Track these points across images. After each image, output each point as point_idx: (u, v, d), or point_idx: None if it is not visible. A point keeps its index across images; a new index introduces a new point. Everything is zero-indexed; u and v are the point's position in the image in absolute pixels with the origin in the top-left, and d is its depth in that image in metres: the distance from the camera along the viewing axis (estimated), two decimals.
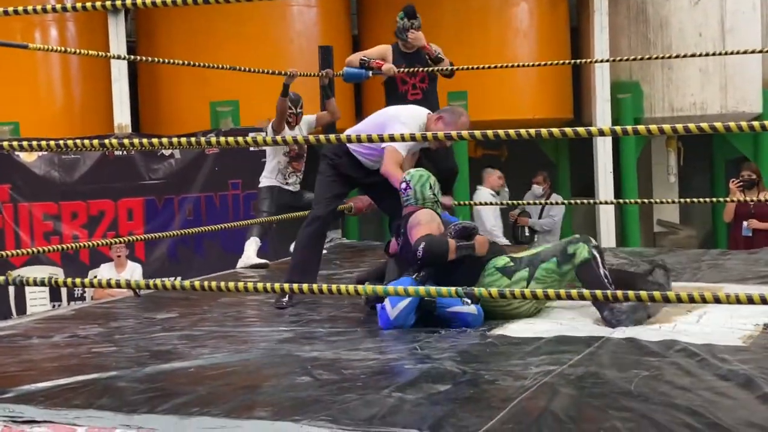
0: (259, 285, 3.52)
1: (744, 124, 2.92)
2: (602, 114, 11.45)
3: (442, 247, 4.52)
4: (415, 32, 6.77)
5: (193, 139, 3.28)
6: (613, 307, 4.28)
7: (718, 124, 2.98)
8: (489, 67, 8.63)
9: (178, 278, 8.13)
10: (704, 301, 2.84)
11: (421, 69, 6.83)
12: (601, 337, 4.06)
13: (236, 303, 5.32)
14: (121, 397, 3.29)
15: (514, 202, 9.34)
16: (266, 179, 7.45)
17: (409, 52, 6.89)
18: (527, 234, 10.64)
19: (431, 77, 6.92)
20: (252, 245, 7.11)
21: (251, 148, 9.62)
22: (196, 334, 4.44)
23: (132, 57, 7.08)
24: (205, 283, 3.69)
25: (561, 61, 9.79)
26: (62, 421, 3.02)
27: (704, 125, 2.91)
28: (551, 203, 10.17)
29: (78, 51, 6.78)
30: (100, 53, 6.52)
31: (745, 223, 9.02)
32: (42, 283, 3.85)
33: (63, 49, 6.34)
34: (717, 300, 2.83)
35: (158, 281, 3.80)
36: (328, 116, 7.57)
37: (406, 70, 6.81)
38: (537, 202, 10.25)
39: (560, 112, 11.82)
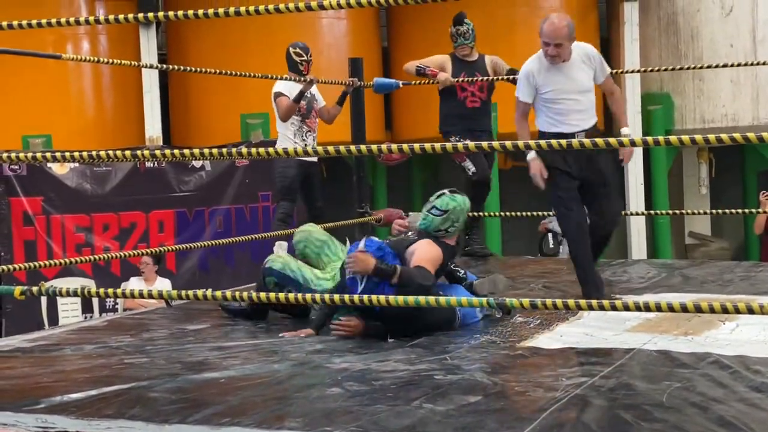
0: (290, 296, 3.53)
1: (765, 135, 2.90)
2: (633, 125, 11.38)
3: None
4: (447, 79, 6.90)
5: (224, 150, 3.30)
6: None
7: (751, 135, 2.96)
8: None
9: (209, 289, 8.16)
10: (738, 312, 2.82)
11: (481, 78, 6.94)
12: (633, 349, 4.03)
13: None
14: (153, 408, 3.30)
15: (540, 213, 9.30)
16: (287, 140, 7.21)
17: (469, 61, 6.99)
18: (551, 245, 10.60)
19: (490, 87, 7.05)
20: (280, 251, 7.10)
21: None
22: (227, 345, 4.45)
23: (163, 66, 7.13)
24: (237, 294, 3.71)
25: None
26: None
27: (737, 136, 2.89)
28: None
29: (110, 61, 6.84)
30: (132, 63, 6.58)
31: None
32: (75, 294, 3.89)
33: (95, 59, 6.41)
34: (750, 311, 2.81)
35: (189, 292, 3.82)
36: (325, 115, 7.47)
37: (467, 78, 6.91)
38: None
39: None
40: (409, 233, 4.97)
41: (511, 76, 6.85)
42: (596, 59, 5.25)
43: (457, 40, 7.10)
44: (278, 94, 7.15)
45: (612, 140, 2.98)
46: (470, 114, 7.09)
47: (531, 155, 5.19)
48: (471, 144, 3.33)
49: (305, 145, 7.21)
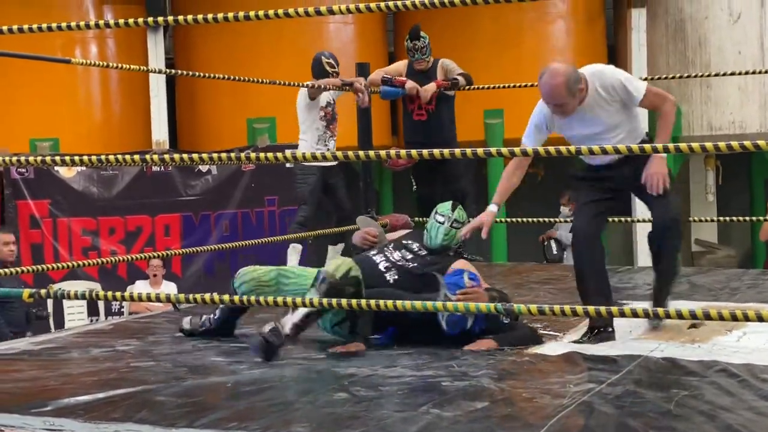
0: (298, 300, 3.53)
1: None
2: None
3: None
4: (425, 90, 6.74)
5: (233, 155, 3.31)
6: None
7: (761, 142, 2.95)
8: (525, 86, 8.61)
9: (215, 293, 8.16)
10: (747, 320, 2.81)
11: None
12: (640, 356, 4.02)
13: (274, 319, 5.31)
14: (160, 411, 3.30)
15: (546, 220, 9.29)
16: (306, 144, 7.21)
17: (420, 71, 6.88)
18: (555, 252, 10.58)
19: (441, 98, 6.87)
20: (293, 255, 7.09)
21: (287, 165, 9.68)
22: (234, 349, 4.45)
23: (170, 71, 7.15)
24: (244, 298, 3.72)
25: None
26: None
27: (747, 143, 2.89)
28: None
29: (118, 65, 6.87)
30: (141, 67, 6.60)
31: None
32: (82, 297, 3.90)
33: (104, 63, 6.42)
34: (760, 319, 2.81)
35: (197, 296, 3.82)
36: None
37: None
38: (566, 220, 10.20)
39: None
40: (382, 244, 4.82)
41: (452, 83, 6.75)
42: (618, 88, 4.36)
43: (414, 55, 6.95)
44: (306, 87, 7.13)
45: (608, 147, 2.98)
46: (416, 127, 6.96)
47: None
48: (480, 150, 3.30)
49: (327, 150, 7.20)
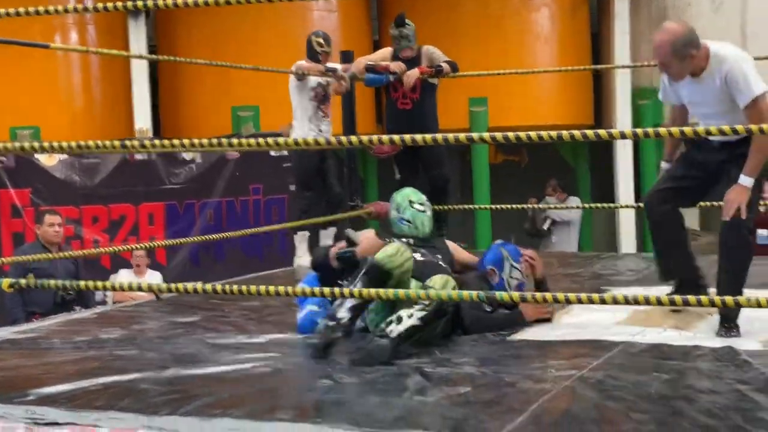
0: (281, 288, 3.53)
1: (765, 126, 2.91)
2: (623, 120, 11.42)
3: (320, 254, 4.76)
4: (408, 76, 6.68)
5: (215, 140, 3.30)
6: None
7: (740, 127, 2.97)
8: (509, 73, 8.63)
9: (200, 282, 8.15)
10: (724, 305, 2.83)
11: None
12: (621, 342, 4.05)
13: (258, 308, 5.32)
14: (144, 400, 3.30)
15: (533, 206, 9.32)
16: (299, 131, 7.21)
17: (406, 59, 6.83)
18: (546, 227, 10.57)
19: (425, 87, 6.81)
20: (303, 243, 7.06)
21: (272, 153, 9.65)
22: (218, 338, 4.45)
23: (152, 57, 7.11)
24: (227, 287, 3.71)
25: (582, 67, 9.76)
26: (84, 423, 3.04)
27: (725, 128, 2.91)
28: (569, 207, 10.13)
29: (99, 51, 6.81)
30: (121, 52, 6.54)
31: (761, 231, 8.96)
32: (63, 287, 3.89)
33: (84, 49, 6.37)
34: (738, 305, 2.83)
35: (180, 285, 3.82)
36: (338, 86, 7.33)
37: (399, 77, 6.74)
38: (555, 206, 10.22)
39: (581, 118, 11.80)
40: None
41: (436, 70, 6.69)
42: (731, 78, 4.05)
43: (400, 43, 6.80)
44: (298, 66, 7.12)
45: (601, 132, 2.99)
46: (400, 116, 6.82)
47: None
48: (462, 136, 3.30)
49: (320, 131, 7.20)
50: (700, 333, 4.22)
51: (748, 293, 4.99)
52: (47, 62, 10.22)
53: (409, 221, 4.72)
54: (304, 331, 4.47)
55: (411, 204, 4.75)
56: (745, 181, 4.02)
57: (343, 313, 3.95)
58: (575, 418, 2.90)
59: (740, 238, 4.15)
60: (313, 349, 3.93)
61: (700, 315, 4.53)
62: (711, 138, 4.13)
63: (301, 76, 7.09)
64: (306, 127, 7.19)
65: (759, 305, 2.88)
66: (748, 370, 3.49)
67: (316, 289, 3.87)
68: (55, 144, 3.33)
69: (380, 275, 4.02)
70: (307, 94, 7.21)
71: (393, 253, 4.11)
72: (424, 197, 4.82)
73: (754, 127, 2.97)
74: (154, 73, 11.48)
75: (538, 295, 3.44)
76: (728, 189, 4.11)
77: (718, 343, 3.95)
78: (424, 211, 4.73)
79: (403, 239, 4.60)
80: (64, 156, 8.75)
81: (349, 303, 3.97)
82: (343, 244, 4.80)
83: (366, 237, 4.70)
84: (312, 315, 4.44)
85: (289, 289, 3.58)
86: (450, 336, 4.23)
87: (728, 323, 4.14)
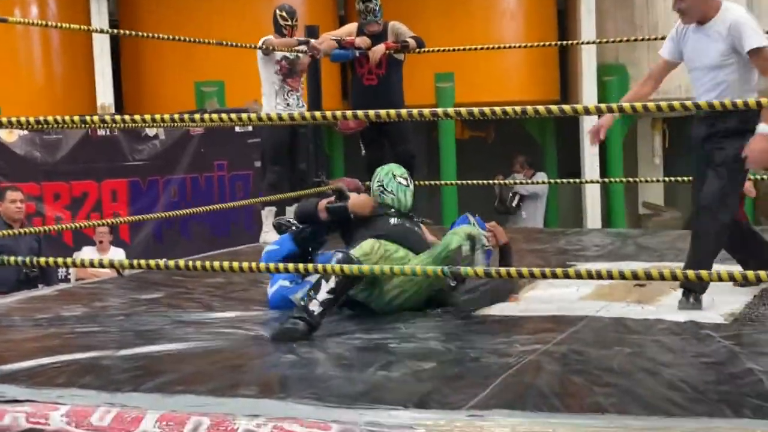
0: (245, 264, 3.51)
1: (727, 102, 2.92)
2: (589, 96, 11.46)
3: (309, 205, 4.78)
4: (374, 51, 6.63)
5: (176, 116, 3.26)
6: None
7: (703, 102, 2.98)
8: (476, 49, 8.61)
9: (163, 259, 8.09)
10: (687, 279, 2.84)
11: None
12: (586, 316, 4.07)
13: (222, 284, 5.29)
14: (105, 377, 3.27)
15: (499, 182, 9.34)
16: (267, 106, 7.14)
17: (372, 34, 6.77)
18: (514, 204, 10.63)
19: (391, 63, 6.77)
20: (270, 217, 6.98)
21: (237, 129, 9.57)
22: (182, 315, 4.42)
23: (114, 30, 6.99)
24: (191, 263, 3.68)
25: (548, 43, 9.76)
26: (45, 400, 3.00)
27: (688, 103, 2.91)
28: (536, 182, 10.17)
29: (59, 25, 6.68)
30: (81, 27, 6.44)
31: None
32: (24, 263, 3.83)
33: (44, 23, 6.26)
34: (699, 279, 2.84)
35: (143, 261, 3.78)
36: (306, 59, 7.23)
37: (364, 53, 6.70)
38: (521, 181, 10.25)
39: (547, 94, 11.82)
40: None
41: (402, 45, 6.65)
42: (737, 29, 4.14)
43: (366, 17, 6.76)
44: (265, 41, 7.03)
45: (566, 107, 2.99)
46: (366, 92, 6.81)
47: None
48: (426, 111, 3.28)
49: (287, 105, 7.10)
50: (663, 307, 4.26)
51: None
52: (7, 37, 10.06)
53: (392, 193, 4.72)
54: (274, 306, 4.45)
55: (394, 177, 4.76)
56: (765, 129, 4.02)
57: (315, 307, 3.90)
58: (539, 392, 2.91)
59: (714, 222, 4.19)
60: (275, 334, 3.87)
61: (663, 289, 4.57)
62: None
63: (267, 51, 7.02)
64: (273, 101, 7.12)
65: (720, 279, 2.90)
66: (710, 343, 3.53)
67: (281, 265, 3.84)
68: (14, 119, 3.27)
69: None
70: (272, 68, 7.15)
71: (368, 251, 4.13)
72: (407, 173, 4.83)
73: (727, 101, 2.97)
74: (117, 48, 11.34)
75: (503, 270, 3.44)
76: (705, 167, 4.20)
77: (681, 317, 3.98)
78: (407, 186, 4.75)
79: (385, 210, 4.65)
80: (25, 132, 8.62)
81: (323, 295, 3.93)
82: (332, 198, 4.83)
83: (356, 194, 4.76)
84: (283, 290, 4.43)
85: (254, 265, 3.56)
86: (423, 311, 4.26)
87: (689, 296, 4.19)
